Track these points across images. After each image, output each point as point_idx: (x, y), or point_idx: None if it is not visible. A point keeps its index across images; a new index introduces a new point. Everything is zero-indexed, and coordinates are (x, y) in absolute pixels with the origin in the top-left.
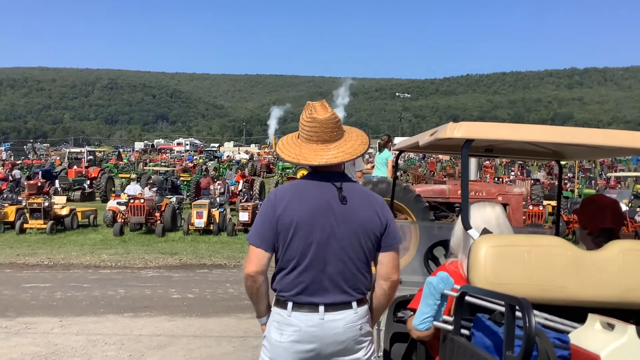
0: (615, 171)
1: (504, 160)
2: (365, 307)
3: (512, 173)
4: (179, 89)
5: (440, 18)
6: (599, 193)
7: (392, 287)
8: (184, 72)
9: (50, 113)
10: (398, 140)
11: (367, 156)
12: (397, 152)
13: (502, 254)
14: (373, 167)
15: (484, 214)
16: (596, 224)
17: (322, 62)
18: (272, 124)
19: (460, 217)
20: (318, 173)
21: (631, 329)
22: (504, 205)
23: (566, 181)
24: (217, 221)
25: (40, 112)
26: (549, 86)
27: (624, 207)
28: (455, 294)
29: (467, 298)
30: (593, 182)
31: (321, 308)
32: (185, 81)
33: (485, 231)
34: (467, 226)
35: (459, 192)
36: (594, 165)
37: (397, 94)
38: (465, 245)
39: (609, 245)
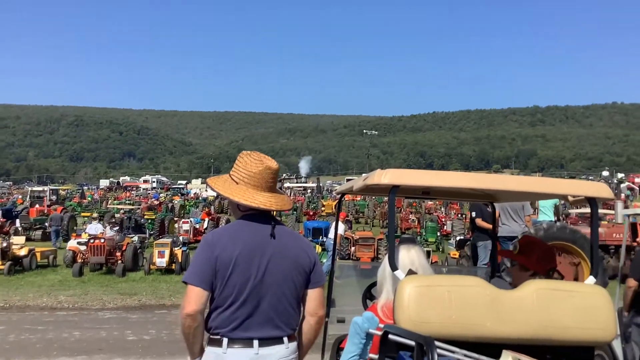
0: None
1: None
2: (295, 343)
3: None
4: (146, 125)
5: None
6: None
7: (319, 322)
8: (152, 109)
9: (14, 151)
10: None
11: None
12: (338, 195)
13: (425, 293)
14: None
15: (409, 255)
16: (543, 266)
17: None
18: None
19: (387, 258)
20: (250, 216)
21: None
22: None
23: None
24: (180, 260)
25: (3, 150)
26: (512, 124)
27: None
28: (379, 333)
29: (391, 336)
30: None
31: (255, 343)
32: (153, 118)
33: (410, 272)
34: (394, 267)
35: (614, 234)
36: None
37: (364, 130)
38: (385, 285)
39: (524, 285)
